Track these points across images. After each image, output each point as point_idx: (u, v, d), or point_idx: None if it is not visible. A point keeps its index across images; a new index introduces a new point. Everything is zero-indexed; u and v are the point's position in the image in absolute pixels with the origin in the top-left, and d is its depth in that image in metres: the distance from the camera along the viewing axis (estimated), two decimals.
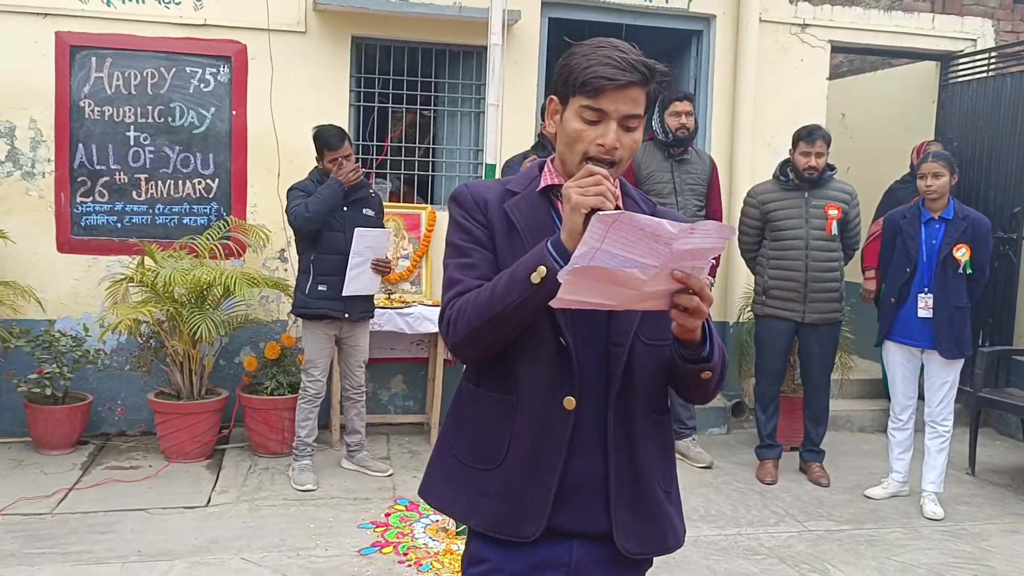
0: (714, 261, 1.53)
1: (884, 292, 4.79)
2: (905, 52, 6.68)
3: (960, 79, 6.58)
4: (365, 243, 4.55)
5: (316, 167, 4.70)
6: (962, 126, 6.52)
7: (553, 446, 1.65)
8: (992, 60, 6.37)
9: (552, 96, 1.72)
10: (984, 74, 6.37)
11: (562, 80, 1.67)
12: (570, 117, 1.65)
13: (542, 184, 1.74)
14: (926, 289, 4.53)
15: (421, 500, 4.44)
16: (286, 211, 4.62)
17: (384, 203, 5.03)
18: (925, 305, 4.51)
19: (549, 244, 1.55)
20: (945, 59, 6.69)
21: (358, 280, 4.57)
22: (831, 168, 4.90)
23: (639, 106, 1.63)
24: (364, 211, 4.70)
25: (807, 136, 4.78)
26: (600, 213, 1.41)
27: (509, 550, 1.68)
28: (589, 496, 1.68)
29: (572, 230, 1.52)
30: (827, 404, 5.15)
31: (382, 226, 4.86)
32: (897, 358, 4.71)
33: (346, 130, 4.92)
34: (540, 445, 1.66)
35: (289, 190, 4.67)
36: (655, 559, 1.80)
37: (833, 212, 4.82)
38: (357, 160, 4.73)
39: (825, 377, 5.06)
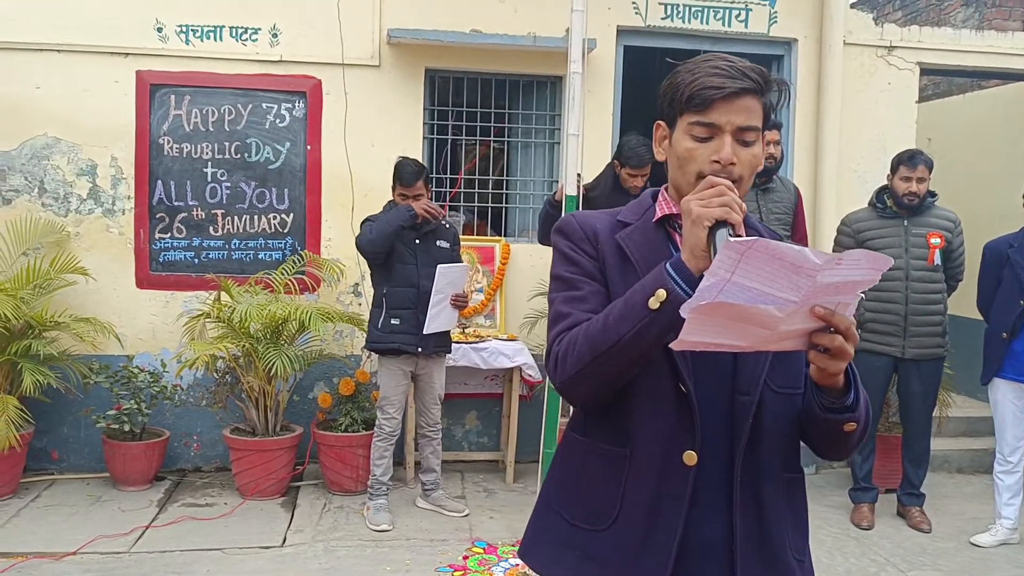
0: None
1: (991, 326, 4.50)
2: (998, 73, 6.36)
3: None
4: (447, 280, 4.45)
5: (391, 200, 4.64)
6: None
7: (671, 506, 1.48)
8: None
9: (659, 122, 1.58)
10: None
11: (668, 100, 1.53)
12: (680, 137, 1.51)
13: (657, 214, 1.58)
14: None
15: (499, 543, 4.30)
16: (361, 232, 4.56)
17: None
18: None
19: (669, 265, 1.39)
20: None
21: (438, 317, 4.48)
22: (932, 195, 4.65)
23: (755, 117, 1.48)
24: (438, 243, 4.61)
25: (908, 160, 4.54)
26: (731, 240, 1.21)
27: None
28: (711, 564, 1.50)
29: (694, 247, 1.36)
30: (928, 445, 4.84)
31: (459, 257, 4.77)
32: (1008, 396, 4.40)
33: (424, 165, 4.86)
34: (657, 505, 1.49)
35: (363, 222, 4.62)
36: None
37: (935, 241, 4.55)
38: (431, 196, 4.66)
39: (927, 417, 4.77)
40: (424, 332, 4.44)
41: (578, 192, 3.88)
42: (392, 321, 4.49)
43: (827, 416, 1.45)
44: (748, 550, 1.50)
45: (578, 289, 1.55)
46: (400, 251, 4.49)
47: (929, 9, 8.06)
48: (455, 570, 4.05)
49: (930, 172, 4.58)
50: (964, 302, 5.43)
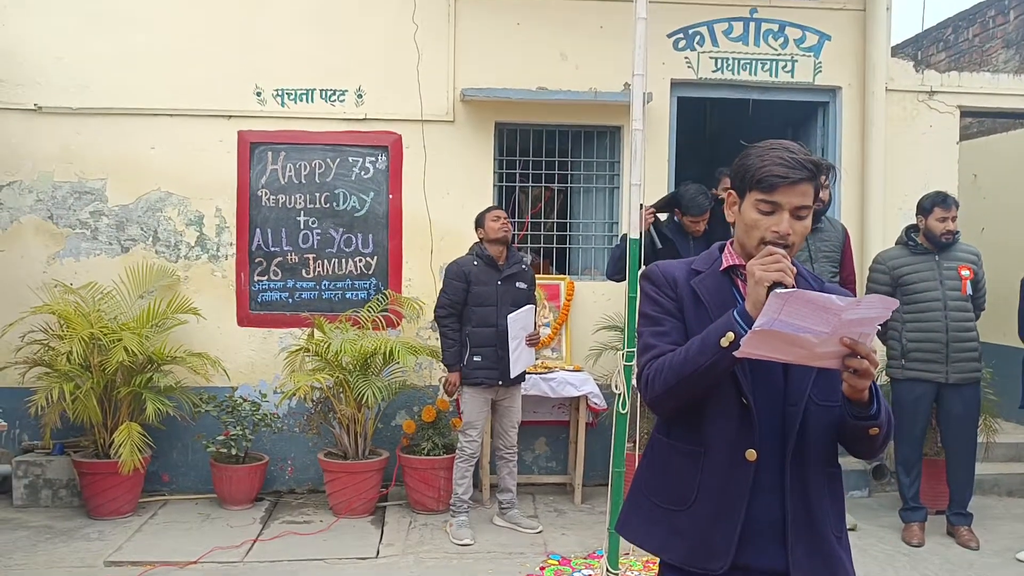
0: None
1: None
2: None
3: None
4: (519, 325, 4.94)
5: (476, 241, 5.15)
6: None
7: (737, 492, 1.92)
8: None
9: (730, 191, 2.02)
10: None
11: (739, 177, 1.97)
12: (748, 208, 1.95)
13: (724, 265, 2.03)
14: None
15: (572, 556, 4.69)
16: (439, 299, 5.12)
17: None
18: None
19: (735, 313, 1.84)
20: None
21: (520, 359, 4.97)
22: (956, 231, 5.04)
23: (808, 198, 1.91)
24: (517, 284, 5.11)
25: (942, 202, 4.93)
26: (777, 291, 1.68)
27: None
28: (769, 537, 1.92)
29: (756, 301, 1.79)
30: (973, 466, 5.14)
31: (534, 297, 5.25)
32: None
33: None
34: (726, 490, 1.92)
35: (447, 271, 5.12)
36: None
37: (966, 272, 4.94)
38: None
39: (971, 439, 5.07)
40: (512, 376, 4.97)
41: (640, 236, 4.31)
42: (475, 358, 5.00)
43: (856, 423, 1.88)
44: (797, 527, 1.92)
45: (661, 325, 2.02)
46: (483, 294, 5.00)
47: (972, 51, 8.40)
48: None
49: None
50: (1009, 330, 5.73)
